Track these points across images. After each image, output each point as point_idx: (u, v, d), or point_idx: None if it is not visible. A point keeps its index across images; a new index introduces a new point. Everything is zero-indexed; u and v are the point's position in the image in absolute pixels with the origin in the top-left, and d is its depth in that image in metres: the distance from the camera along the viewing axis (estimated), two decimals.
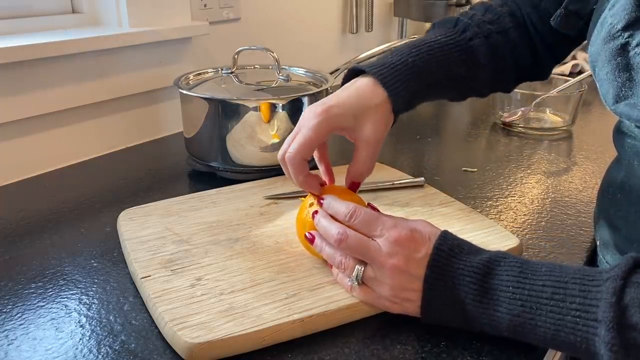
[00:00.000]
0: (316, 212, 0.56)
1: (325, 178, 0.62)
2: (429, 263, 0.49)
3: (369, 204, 0.59)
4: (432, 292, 0.49)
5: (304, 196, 0.72)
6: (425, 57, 0.61)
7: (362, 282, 0.52)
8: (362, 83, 0.60)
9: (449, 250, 0.50)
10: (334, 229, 0.53)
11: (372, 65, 0.61)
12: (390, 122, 0.60)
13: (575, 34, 0.64)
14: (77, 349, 0.50)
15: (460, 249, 0.50)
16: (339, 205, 0.55)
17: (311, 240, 0.56)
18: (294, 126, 0.81)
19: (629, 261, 0.44)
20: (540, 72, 0.73)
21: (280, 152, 0.58)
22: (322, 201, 0.57)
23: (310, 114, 0.57)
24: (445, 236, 0.51)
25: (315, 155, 0.62)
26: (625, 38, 0.48)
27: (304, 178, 0.57)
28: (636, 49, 0.47)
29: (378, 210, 0.57)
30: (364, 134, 0.58)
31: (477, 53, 0.65)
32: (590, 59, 0.54)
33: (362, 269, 0.52)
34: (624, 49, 0.48)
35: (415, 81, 0.60)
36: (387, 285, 0.51)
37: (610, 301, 0.42)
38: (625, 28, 0.48)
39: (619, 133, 0.56)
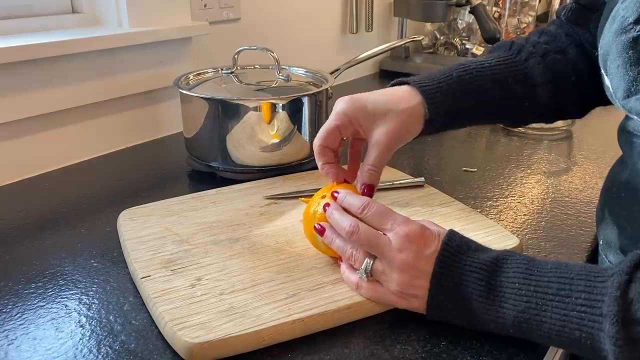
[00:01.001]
0: (328, 204, 0.56)
1: (347, 175, 0.62)
2: (437, 259, 0.50)
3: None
4: (439, 289, 0.49)
5: (304, 196, 0.72)
6: (474, 73, 0.61)
7: (370, 276, 0.53)
8: (400, 88, 0.61)
9: (456, 247, 0.50)
10: (346, 221, 0.53)
11: (414, 77, 0.62)
12: (414, 130, 0.60)
13: (593, 31, 0.62)
14: (77, 349, 0.50)
15: (468, 246, 0.50)
16: (353, 199, 0.55)
17: (321, 232, 0.56)
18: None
19: (635, 257, 0.44)
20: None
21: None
22: (336, 194, 0.57)
23: (337, 102, 0.60)
24: (453, 234, 0.51)
25: (349, 150, 0.64)
26: (637, 31, 0.47)
27: (323, 165, 0.60)
28: None
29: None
30: (375, 136, 0.59)
31: (533, 72, 0.63)
32: (601, 52, 0.53)
33: (372, 262, 0.52)
34: (635, 42, 0.47)
35: (458, 94, 0.60)
36: (395, 279, 0.51)
37: (614, 295, 0.42)
38: (636, 21, 0.47)
39: (625, 132, 0.55)
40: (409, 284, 0.50)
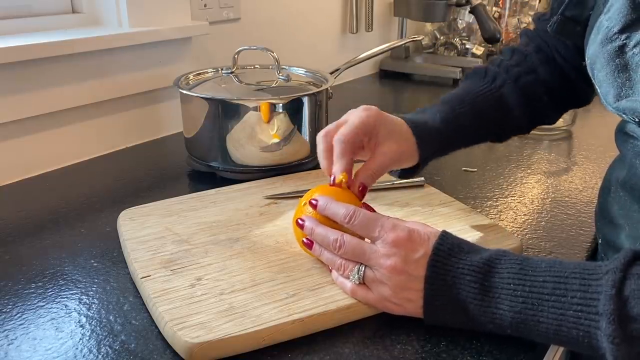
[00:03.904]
0: (302, 219, 0.56)
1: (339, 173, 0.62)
2: (428, 263, 0.49)
3: (364, 203, 0.59)
4: (433, 292, 0.49)
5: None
6: (456, 111, 0.66)
7: (363, 282, 0.52)
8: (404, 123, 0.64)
9: (448, 250, 0.50)
10: (331, 236, 0.54)
11: (411, 117, 0.65)
12: (409, 161, 0.64)
13: (579, 41, 0.64)
14: (77, 349, 0.50)
15: (460, 248, 0.50)
16: (337, 207, 0.55)
17: (309, 246, 0.56)
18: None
19: (628, 254, 0.44)
20: (580, 98, 0.74)
21: (323, 131, 0.61)
22: (314, 202, 0.56)
23: (361, 108, 0.62)
24: (445, 236, 0.51)
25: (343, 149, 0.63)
26: (623, 40, 0.49)
27: (349, 160, 0.59)
28: (634, 50, 0.49)
29: (373, 210, 0.57)
30: (385, 147, 0.61)
31: (509, 99, 0.68)
32: (588, 62, 0.55)
33: (363, 269, 0.52)
34: (621, 50, 0.49)
35: (444, 134, 0.65)
36: (387, 285, 0.51)
37: (610, 294, 0.42)
38: (621, 30, 0.50)
39: (622, 134, 0.56)
40: (402, 288, 0.50)
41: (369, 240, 0.53)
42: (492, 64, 0.72)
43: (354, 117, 0.60)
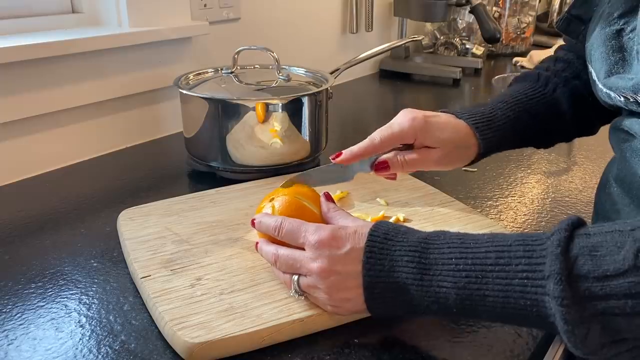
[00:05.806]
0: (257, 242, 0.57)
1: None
2: (364, 250, 0.48)
3: (325, 193, 0.59)
4: (371, 280, 0.47)
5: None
6: (515, 110, 0.67)
7: (302, 292, 0.52)
8: (459, 122, 0.64)
9: (383, 235, 0.48)
10: (268, 253, 0.54)
11: (466, 112, 0.66)
12: (463, 160, 0.66)
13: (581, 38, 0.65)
14: (77, 349, 0.50)
15: (397, 231, 0.48)
16: (268, 221, 0.55)
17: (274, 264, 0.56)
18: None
19: (573, 218, 0.42)
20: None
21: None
22: (254, 220, 0.56)
23: (408, 115, 0.62)
24: (380, 223, 0.50)
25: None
26: (621, 25, 0.52)
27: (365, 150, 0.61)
28: (630, 35, 0.51)
29: (332, 200, 0.58)
30: (431, 155, 0.63)
31: (562, 102, 0.68)
32: (587, 48, 0.58)
33: (297, 278, 0.51)
34: (619, 34, 0.52)
35: (505, 131, 0.66)
36: (321, 289, 0.50)
37: (556, 253, 0.39)
38: (621, 15, 0.53)
39: (617, 130, 0.57)
40: (336, 288, 0.49)
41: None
42: (541, 69, 0.72)
43: (397, 122, 0.62)
